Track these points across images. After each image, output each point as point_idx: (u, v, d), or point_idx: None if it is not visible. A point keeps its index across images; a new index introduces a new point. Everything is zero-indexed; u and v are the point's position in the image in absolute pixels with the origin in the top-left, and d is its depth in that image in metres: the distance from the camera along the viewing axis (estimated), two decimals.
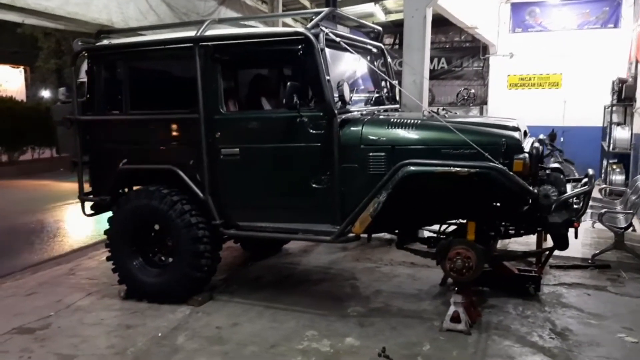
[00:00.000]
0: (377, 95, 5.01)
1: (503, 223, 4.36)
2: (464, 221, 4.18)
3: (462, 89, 13.76)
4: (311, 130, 4.15)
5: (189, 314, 4.38)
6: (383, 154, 4.05)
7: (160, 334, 4.02)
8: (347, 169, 4.09)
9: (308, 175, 4.21)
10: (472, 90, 13.63)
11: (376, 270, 5.50)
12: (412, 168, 3.82)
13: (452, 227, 4.54)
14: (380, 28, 5.35)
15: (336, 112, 4.02)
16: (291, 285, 5.13)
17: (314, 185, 4.19)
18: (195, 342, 3.88)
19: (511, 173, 3.65)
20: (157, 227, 4.76)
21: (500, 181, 3.65)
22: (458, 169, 3.71)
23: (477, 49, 13.36)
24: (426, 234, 4.78)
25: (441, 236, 4.51)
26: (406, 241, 4.51)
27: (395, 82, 5.30)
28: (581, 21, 11.97)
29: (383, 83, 5.20)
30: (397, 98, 5.46)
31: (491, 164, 3.65)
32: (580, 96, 11.64)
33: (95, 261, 6.29)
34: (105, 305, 4.69)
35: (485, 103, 13.21)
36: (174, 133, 4.58)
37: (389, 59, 5.35)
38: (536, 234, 4.90)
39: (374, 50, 5.22)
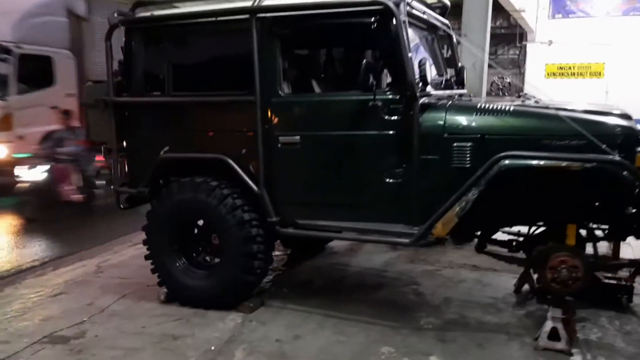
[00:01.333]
0: (446, 78, 4.44)
1: (597, 225, 3.82)
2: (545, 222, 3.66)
3: (497, 77, 13.12)
4: (385, 116, 3.60)
5: (241, 323, 3.87)
6: (470, 144, 3.51)
7: (213, 348, 3.51)
8: (427, 161, 3.55)
9: (380, 168, 3.67)
10: (507, 80, 13.01)
11: (437, 274, 4.97)
12: (513, 162, 3.27)
13: (534, 230, 4.00)
14: (448, 2, 4.76)
15: (418, 94, 3.47)
16: (347, 290, 4.60)
17: (386, 180, 3.66)
18: (255, 358, 3.37)
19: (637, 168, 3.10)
20: (201, 222, 4.25)
21: (622, 178, 3.10)
22: (569, 162, 3.16)
23: (513, 36, 12.77)
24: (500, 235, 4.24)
25: (522, 238, 3.98)
26: (485, 244, 3.98)
27: (460, 64, 4.74)
28: (626, 7, 11.33)
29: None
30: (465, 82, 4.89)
31: (612, 157, 3.10)
32: (624, 86, 11.01)
33: (122, 257, 5.81)
34: (144, 310, 4.18)
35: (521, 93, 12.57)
36: (225, 118, 4.04)
37: (455, 38, 4.78)
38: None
39: (443, 27, 4.65)
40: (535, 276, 3.97)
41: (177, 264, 4.19)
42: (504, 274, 4.88)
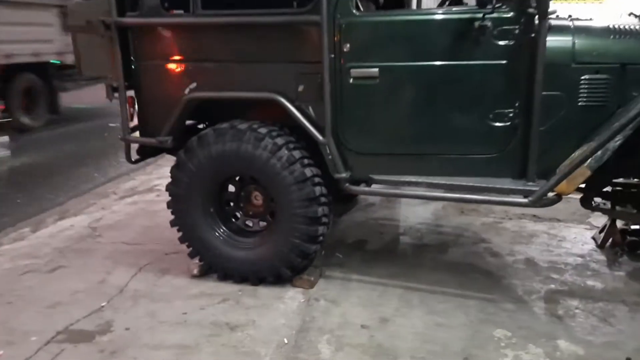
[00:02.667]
0: None
1: None
2: None
3: None
4: (497, 41, 2.80)
5: (306, 303, 3.13)
6: (605, 76, 2.77)
7: (286, 341, 2.78)
8: (549, 98, 2.81)
9: (485, 108, 2.91)
10: None
11: (500, 227, 4.35)
12: None
13: None
14: None
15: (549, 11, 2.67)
16: (410, 253, 3.91)
17: (493, 124, 2.90)
18: (349, 356, 2.66)
19: None
20: (237, 180, 3.41)
21: None
22: None
23: None
24: None
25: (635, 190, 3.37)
26: (593, 198, 3.34)
27: None
28: None
29: None
30: None
31: None
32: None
33: (116, 214, 4.93)
34: (175, 288, 3.38)
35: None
36: (276, 45, 3.11)
37: None
38: None
39: None
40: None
41: (216, 232, 3.37)
42: (572, 226, 4.34)
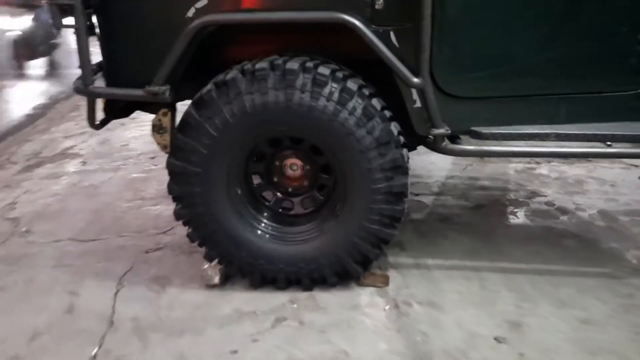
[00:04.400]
0: None
1: None
2: None
3: None
4: None
5: (395, 311, 2.26)
6: None
7: None
8: None
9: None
10: None
11: (537, 173, 3.74)
12: None
13: None
14: None
15: None
16: (466, 218, 3.12)
17: None
18: None
19: None
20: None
21: None
22: None
23: None
24: None
25: None
26: None
27: None
28: None
29: None
30: None
31: None
32: None
33: (37, 196, 3.65)
34: (194, 307, 2.32)
35: None
36: None
37: None
38: None
39: None
40: None
41: (248, 222, 2.33)
42: (607, 166, 3.86)
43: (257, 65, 2.10)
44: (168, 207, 3.10)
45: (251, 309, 2.28)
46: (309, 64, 2.10)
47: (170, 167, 2.24)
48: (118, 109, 2.46)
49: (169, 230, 3.03)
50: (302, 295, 2.37)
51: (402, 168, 2.19)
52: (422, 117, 2.21)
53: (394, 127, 2.17)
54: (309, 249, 2.32)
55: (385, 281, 2.44)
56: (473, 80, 2.20)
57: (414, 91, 2.17)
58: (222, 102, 2.11)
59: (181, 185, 2.25)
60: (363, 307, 2.29)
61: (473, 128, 2.25)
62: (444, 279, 2.48)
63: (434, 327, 2.15)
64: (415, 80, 2.09)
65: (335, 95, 2.08)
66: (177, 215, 2.32)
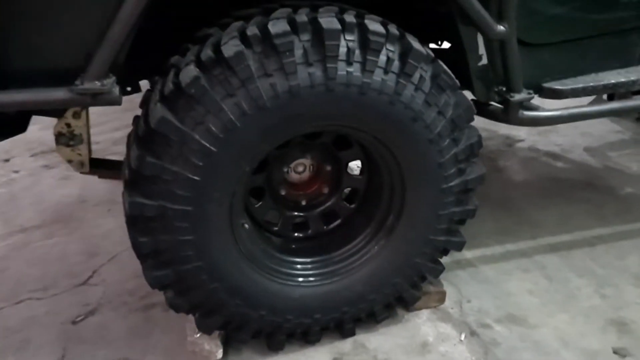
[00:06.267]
0: None
1: None
2: None
3: None
4: None
5: (474, 339, 1.70)
6: None
7: None
8: None
9: None
10: None
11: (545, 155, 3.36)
12: None
13: None
14: None
15: None
16: (494, 192, 2.63)
17: None
18: None
19: None
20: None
21: None
22: None
23: None
24: None
25: None
26: None
27: None
28: None
29: None
30: None
31: None
32: None
33: None
34: None
35: None
36: None
37: None
38: None
39: None
40: None
41: (270, 264, 1.55)
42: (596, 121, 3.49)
43: (274, 27, 1.25)
44: (69, 237, 2.15)
45: None
46: (350, 18, 1.32)
47: (135, 210, 1.33)
48: (12, 121, 1.43)
49: (91, 276, 2.08)
50: (347, 347, 1.69)
51: (474, 155, 1.56)
52: (489, 78, 1.59)
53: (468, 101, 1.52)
54: (353, 284, 1.63)
55: (441, 298, 1.85)
56: (551, 21, 1.60)
57: (480, 43, 1.53)
58: (220, 95, 1.25)
59: (157, 235, 1.37)
60: (434, 344, 1.69)
61: (546, 85, 1.68)
62: (501, 277, 1.98)
63: (537, 354, 1.65)
64: (500, 28, 1.44)
65: (396, 65, 1.35)
66: (154, 280, 1.44)
